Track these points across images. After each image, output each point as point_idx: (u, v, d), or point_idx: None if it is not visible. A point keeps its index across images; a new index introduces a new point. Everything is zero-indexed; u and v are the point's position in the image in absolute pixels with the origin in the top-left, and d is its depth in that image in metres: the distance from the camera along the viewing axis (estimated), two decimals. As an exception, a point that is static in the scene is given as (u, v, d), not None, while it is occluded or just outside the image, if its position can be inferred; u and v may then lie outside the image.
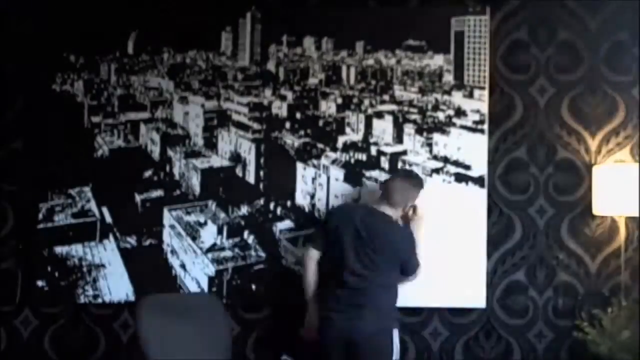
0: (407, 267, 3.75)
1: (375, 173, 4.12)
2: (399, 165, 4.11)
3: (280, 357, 3.98)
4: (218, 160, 4.21)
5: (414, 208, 3.87)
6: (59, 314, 4.20)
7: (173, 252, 4.15)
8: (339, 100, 4.20)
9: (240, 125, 4.21)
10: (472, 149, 4.08)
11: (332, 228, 3.73)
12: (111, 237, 4.18)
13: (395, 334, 3.66)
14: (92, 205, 4.20)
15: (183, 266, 4.14)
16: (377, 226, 3.69)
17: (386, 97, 4.18)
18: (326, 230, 3.75)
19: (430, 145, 4.12)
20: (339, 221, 3.72)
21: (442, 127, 4.12)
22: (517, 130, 4.15)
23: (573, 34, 4.16)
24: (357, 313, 3.59)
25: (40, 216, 4.19)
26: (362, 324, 3.57)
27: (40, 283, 4.16)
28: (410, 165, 4.10)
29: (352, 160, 4.14)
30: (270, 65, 4.24)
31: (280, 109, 4.21)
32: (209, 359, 3.51)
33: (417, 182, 3.84)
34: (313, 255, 3.75)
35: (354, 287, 3.63)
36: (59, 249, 4.18)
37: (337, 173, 4.14)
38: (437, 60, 4.17)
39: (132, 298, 4.11)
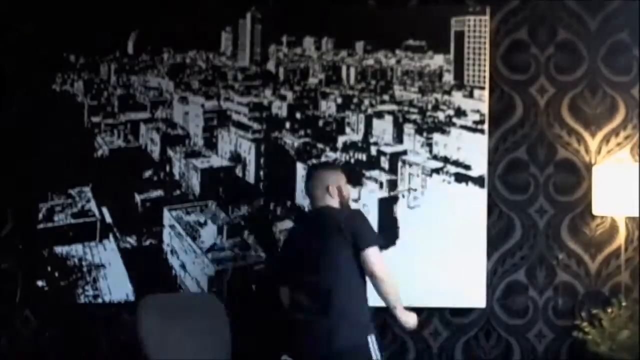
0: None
1: (375, 173, 4.12)
2: (399, 165, 4.12)
3: (281, 358, 3.98)
4: (218, 160, 4.21)
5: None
6: (59, 314, 4.20)
7: (173, 252, 4.16)
8: (339, 100, 4.20)
9: (240, 125, 4.21)
10: (472, 149, 4.08)
11: None
12: (111, 237, 4.18)
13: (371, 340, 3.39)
14: (92, 205, 4.20)
15: (183, 266, 4.14)
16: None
17: (386, 97, 4.18)
18: None
19: (430, 145, 4.12)
20: None
21: (442, 127, 4.12)
22: (517, 130, 4.15)
23: (573, 34, 4.16)
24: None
25: (40, 216, 4.19)
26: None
27: (40, 283, 4.16)
28: (410, 165, 4.11)
29: (352, 160, 4.15)
30: (270, 65, 4.24)
31: (280, 109, 4.21)
32: (207, 359, 3.51)
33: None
34: None
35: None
36: (59, 249, 4.18)
37: (337, 173, 4.14)
38: (437, 60, 4.17)
39: (132, 298, 4.11)
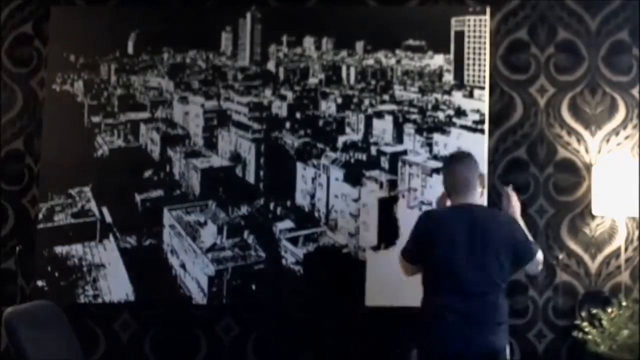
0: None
1: (375, 173, 4.12)
2: (399, 165, 4.12)
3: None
4: (218, 160, 4.21)
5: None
6: (59, 314, 4.20)
7: (173, 252, 4.15)
8: (339, 100, 4.20)
9: (240, 125, 4.21)
10: (472, 149, 4.06)
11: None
12: (111, 237, 4.18)
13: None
14: (92, 205, 4.20)
15: (183, 266, 4.14)
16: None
17: (386, 97, 4.18)
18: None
19: (430, 145, 4.12)
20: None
21: (442, 127, 4.13)
22: (517, 130, 4.15)
23: (573, 34, 4.16)
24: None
25: (40, 216, 4.19)
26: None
27: (40, 283, 4.16)
28: (410, 165, 4.11)
29: (352, 160, 4.15)
30: (270, 65, 4.24)
31: (280, 109, 4.21)
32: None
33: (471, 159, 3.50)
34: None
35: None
36: (59, 249, 4.18)
37: (337, 173, 4.14)
38: (437, 60, 4.17)
39: (132, 298, 4.11)
